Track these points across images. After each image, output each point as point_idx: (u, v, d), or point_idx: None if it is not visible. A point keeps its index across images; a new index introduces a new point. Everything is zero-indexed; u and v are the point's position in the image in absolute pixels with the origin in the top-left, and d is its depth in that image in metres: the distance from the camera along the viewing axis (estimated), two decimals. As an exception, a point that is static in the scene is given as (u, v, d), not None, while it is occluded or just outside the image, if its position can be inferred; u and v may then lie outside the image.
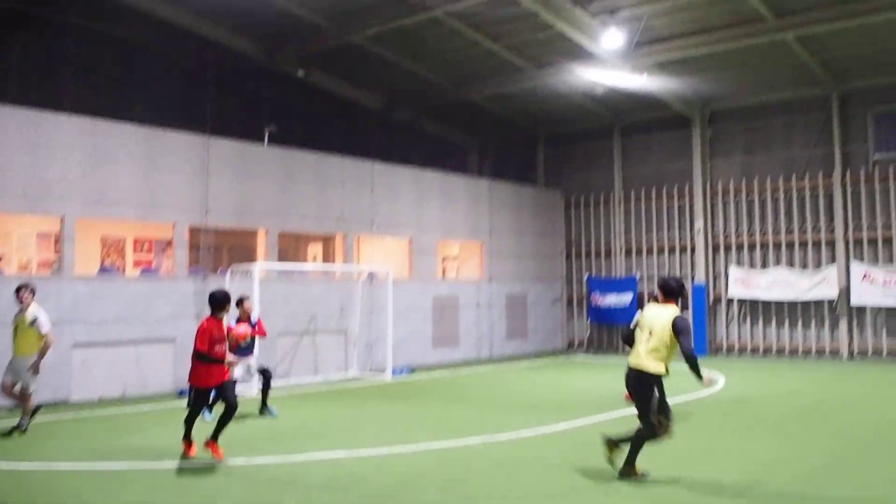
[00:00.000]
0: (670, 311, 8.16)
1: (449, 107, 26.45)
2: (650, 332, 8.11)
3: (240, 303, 12.63)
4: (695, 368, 7.80)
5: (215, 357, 9.36)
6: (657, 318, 8.16)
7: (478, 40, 21.44)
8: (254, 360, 13.12)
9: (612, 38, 19.74)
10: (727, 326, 24.37)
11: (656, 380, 8.02)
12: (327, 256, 21.89)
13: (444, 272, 25.11)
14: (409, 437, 10.64)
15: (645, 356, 8.07)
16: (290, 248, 21.55)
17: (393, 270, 20.09)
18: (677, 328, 7.94)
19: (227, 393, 9.44)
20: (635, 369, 8.14)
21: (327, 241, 21.80)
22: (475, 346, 23.78)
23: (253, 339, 12.76)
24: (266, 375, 12.98)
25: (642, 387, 8.07)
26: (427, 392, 16.21)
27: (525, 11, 19.07)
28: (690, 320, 23.98)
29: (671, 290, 8.39)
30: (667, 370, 8.05)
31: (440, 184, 23.51)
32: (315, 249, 22.32)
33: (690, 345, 7.89)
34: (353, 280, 20.30)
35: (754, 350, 23.84)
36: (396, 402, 13.94)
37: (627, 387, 8.37)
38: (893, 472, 8.48)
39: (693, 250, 25.21)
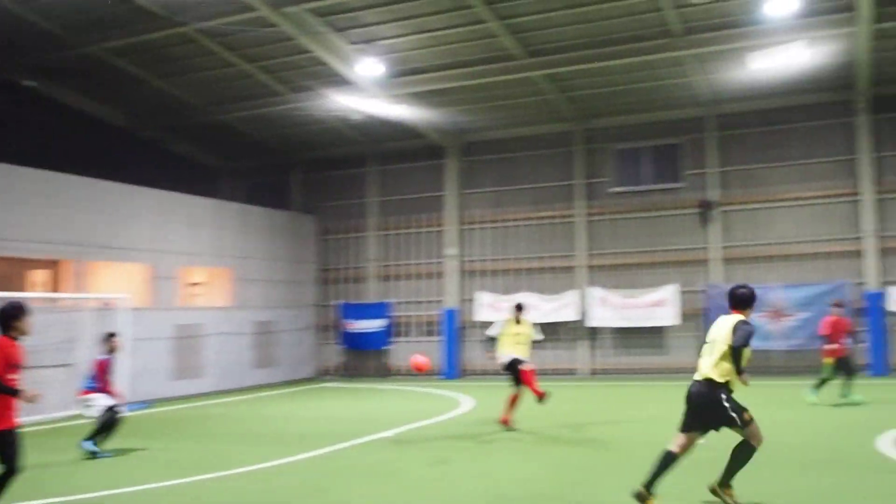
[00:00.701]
0: (732, 318, 7.53)
1: (200, 127, 25.42)
2: (713, 345, 7.52)
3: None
4: (737, 363, 7.28)
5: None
6: (720, 327, 7.56)
7: (232, 60, 20.81)
8: None
9: (369, 66, 19.89)
10: (475, 350, 25.15)
11: (722, 387, 7.35)
12: (56, 284, 20.06)
13: (188, 299, 23.94)
14: (133, 479, 9.80)
15: (709, 370, 7.42)
16: (14, 273, 19.54)
17: (131, 298, 18.78)
18: (735, 331, 7.35)
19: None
20: (698, 382, 7.48)
21: (56, 267, 19.99)
22: (221, 377, 22.81)
23: None
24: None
25: (710, 400, 7.34)
26: (165, 427, 15.26)
27: (282, 35, 18.77)
28: (440, 345, 24.58)
29: (739, 299, 7.72)
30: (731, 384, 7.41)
31: (186, 207, 22.44)
32: (41, 276, 20.38)
33: (740, 341, 7.26)
34: (85, 309, 18.72)
35: (499, 371, 24.73)
36: (128, 439, 12.93)
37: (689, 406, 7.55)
38: (633, 485, 8.89)
39: (445, 276, 25.86)
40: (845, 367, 15.27)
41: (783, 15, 17.43)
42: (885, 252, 21.42)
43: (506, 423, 13.29)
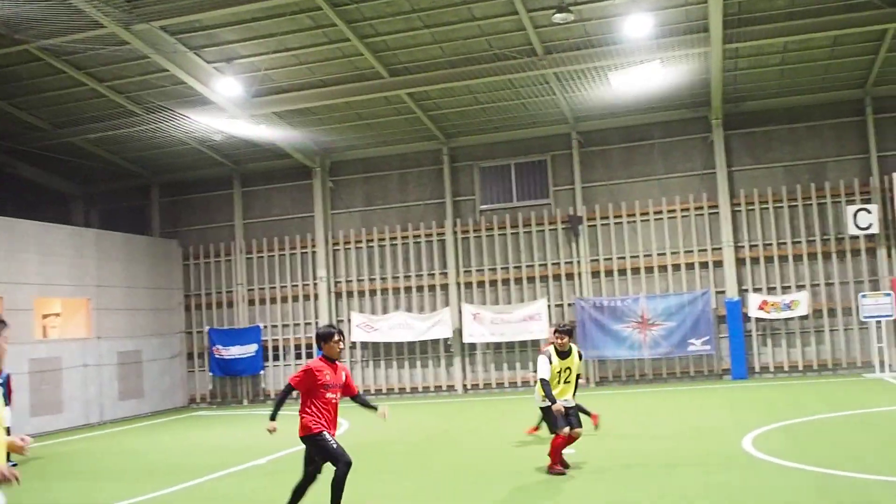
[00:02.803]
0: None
1: (49, 150, 24.38)
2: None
3: None
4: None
5: None
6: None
7: (80, 79, 20.14)
8: None
9: (228, 86, 19.65)
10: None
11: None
12: None
13: (44, 331, 22.90)
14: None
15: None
16: None
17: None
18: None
19: None
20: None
21: None
22: (83, 411, 21.96)
23: None
24: None
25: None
26: (24, 467, 14.54)
27: (134, 54, 18.31)
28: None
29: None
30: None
31: (38, 235, 21.52)
32: None
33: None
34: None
35: (378, 391, 24.84)
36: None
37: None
38: (502, 497, 9.14)
39: (317, 298, 25.71)
40: None
41: (641, 35, 18.27)
42: (741, 261, 22.70)
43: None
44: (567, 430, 10.17)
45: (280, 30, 18.42)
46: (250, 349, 25.88)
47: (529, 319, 23.59)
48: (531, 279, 24.20)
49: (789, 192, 22.60)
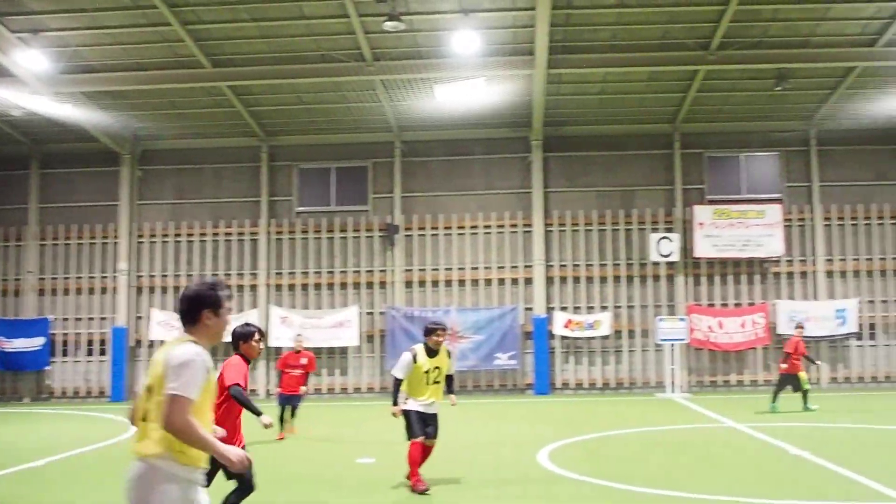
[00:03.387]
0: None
1: None
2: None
3: None
4: None
5: None
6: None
7: None
8: None
9: (33, 59, 18.37)
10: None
11: None
12: None
13: None
14: None
15: None
16: None
17: None
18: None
19: None
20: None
21: None
22: None
23: None
24: None
25: None
26: None
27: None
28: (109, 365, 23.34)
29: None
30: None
31: None
32: None
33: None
34: None
35: (177, 398, 23.80)
36: None
37: None
38: None
39: (115, 292, 24.41)
40: (792, 382, 17.11)
41: (468, 51, 18.62)
42: (550, 280, 23.57)
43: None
44: (422, 438, 9.32)
45: (94, 5, 17.44)
46: (36, 342, 24.23)
47: (339, 326, 23.45)
48: (344, 285, 24.07)
49: (600, 216, 23.74)
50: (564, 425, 15.73)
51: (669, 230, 23.34)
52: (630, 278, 23.63)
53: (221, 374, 7.28)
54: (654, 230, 23.41)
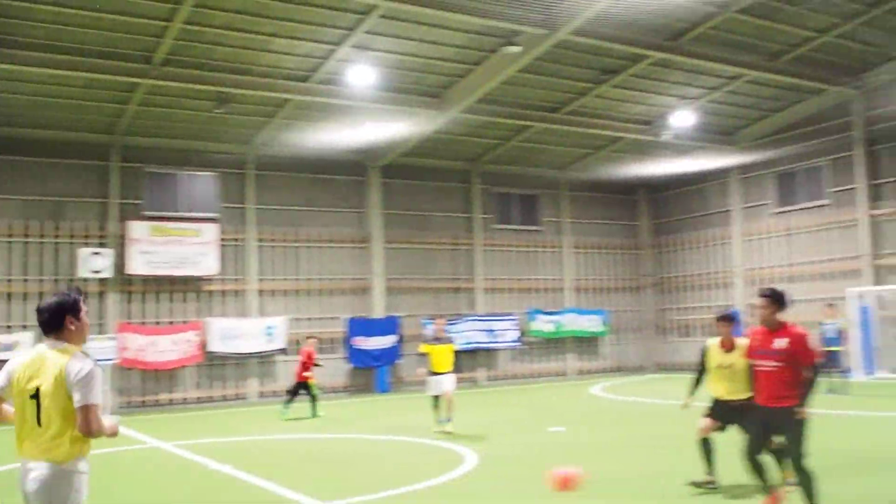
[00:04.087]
0: None
1: None
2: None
3: None
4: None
5: None
6: None
7: None
8: None
9: None
10: None
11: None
12: None
13: None
14: None
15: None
16: None
17: None
18: None
19: None
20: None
21: None
22: None
23: None
24: None
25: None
26: None
27: None
28: None
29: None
30: None
31: None
32: None
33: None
34: None
35: None
36: None
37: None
38: None
39: None
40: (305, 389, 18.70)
41: None
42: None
43: None
44: None
45: None
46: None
47: None
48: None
49: (26, 227, 21.92)
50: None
51: (102, 245, 22.47)
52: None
53: None
54: (86, 244, 22.33)
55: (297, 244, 25.47)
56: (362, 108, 22.16)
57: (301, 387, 19.05)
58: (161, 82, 19.53)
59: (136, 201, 23.35)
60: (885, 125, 25.00)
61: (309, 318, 25.25)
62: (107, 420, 4.86)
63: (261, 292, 24.78)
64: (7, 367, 4.96)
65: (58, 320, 4.91)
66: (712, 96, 24.68)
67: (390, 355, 26.06)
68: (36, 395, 4.73)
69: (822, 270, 26.64)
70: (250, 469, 11.40)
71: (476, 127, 25.25)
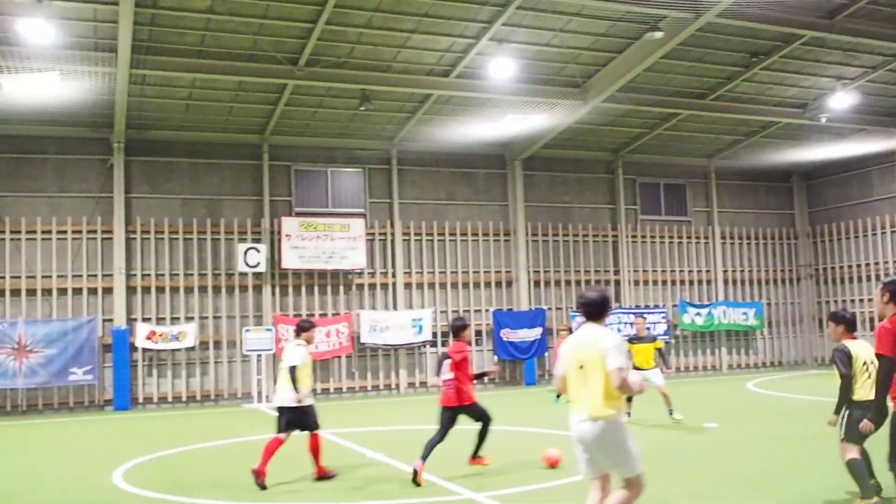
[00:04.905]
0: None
1: None
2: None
3: None
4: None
5: None
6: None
7: None
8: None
9: None
10: None
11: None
12: None
13: None
14: None
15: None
16: None
17: None
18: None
19: None
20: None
21: None
22: None
23: None
24: None
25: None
26: None
27: None
28: None
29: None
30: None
31: None
32: None
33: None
34: None
35: None
36: None
37: None
38: None
39: None
40: None
41: (42, 42, 17.06)
42: (132, 290, 22.54)
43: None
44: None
45: None
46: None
47: None
48: None
49: (186, 224, 23.23)
50: (143, 442, 15.13)
51: (257, 241, 23.55)
52: (217, 288, 23.41)
53: None
54: (242, 240, 23.47)
55: (440, 237, 25.88)
56: (503, 100, 22.26)
57: None
58: (306, 82, 20.23)
59: (287, 198, 24.36)
60: None
61: (455, 311, 25.63)
62: (633, 378, 6.23)
63: (407, 285, 25.33)
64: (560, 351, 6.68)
65: (603, 312, 6.48)
66: (872, 75, 23.36)
67: (537, 348, 26.10)
68: (582, 366, 6.29)
69: None
70: (403, 458, 11.63)
71: (619, 116, 24.88)
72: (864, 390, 7.83)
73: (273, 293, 23.80)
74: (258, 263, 23.05)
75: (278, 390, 10.72)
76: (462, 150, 25.92)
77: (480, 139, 25.39)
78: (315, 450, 10.58)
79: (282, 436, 10.42)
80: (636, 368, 15.21)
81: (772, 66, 22.30)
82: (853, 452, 7.83)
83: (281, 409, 10.56)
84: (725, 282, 29.73)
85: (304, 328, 10.79)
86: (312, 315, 23.94)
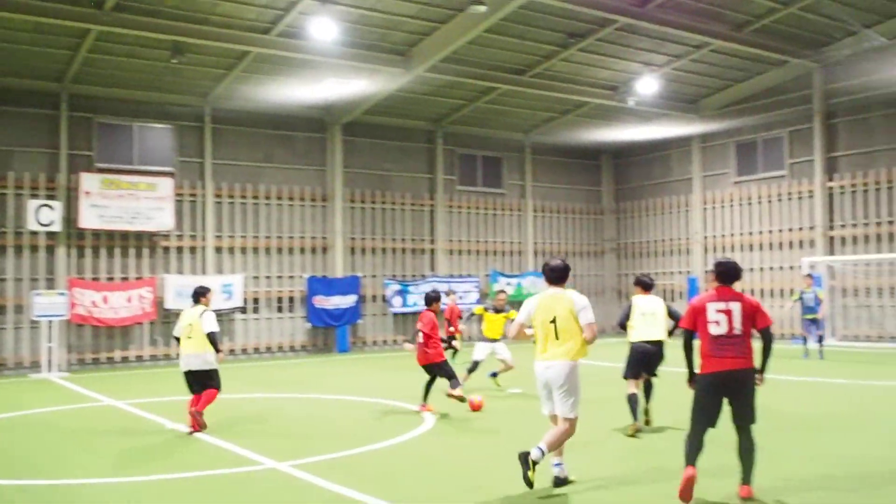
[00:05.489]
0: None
1: None
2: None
3: None
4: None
5: None
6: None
7: None
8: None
9: None
10: None
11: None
12: None
13: None
14: None
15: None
16: None
17: None
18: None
19: None
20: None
21: None
22: None
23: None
24: None
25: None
26: None
27: None
28: None
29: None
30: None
31: None
32: None
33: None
34: None
35: None
36: None
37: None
38: None
39: None
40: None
41: None
42: None
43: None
44: None
45: None
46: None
47: None
48: None
49: (-29, 178, 21.21)
50: None
51: (51, 197, 21.79)
52: (2, 248, 21.49)
53: None
54: (34, 196, 21.62)
55: (255, 201, 25.00)
56: (324, 63, 21.65)
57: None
58: (113, 28, 18.78)
59: (88, 153, 22.63)
60: (842, 99, 25.28)
61: (267, 277, 24.90)
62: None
63: (218, 249, 24.29)
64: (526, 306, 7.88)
65: (566, 277, 7.84)
66: (677, 64, 24.54)
67: (351, 315, 25.82)
68: (554, 320, 7.56)
69: (777, 240, 26.98)
70: (209, 430, 11.13)
71: (441, 87, 24.84)
72: (634, 332, 10.49)
73: (68, 254, 22.09)
74: (52, 222, 21.32)
75: (188, 356, 11.19)
76: (281, 111, 25.06)
77: (301, 101, 24.64)
78: (205, 403, 11.02)
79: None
80: (486, 339, 15.38)
81: (587, 48, 22.97)
82: (631, 387, 10.24)
83: (192, 373, 11.15)
84: (535, 253, 30.57)
85: (201, 293, 11.37)
86: (112, 279, 22.55)
